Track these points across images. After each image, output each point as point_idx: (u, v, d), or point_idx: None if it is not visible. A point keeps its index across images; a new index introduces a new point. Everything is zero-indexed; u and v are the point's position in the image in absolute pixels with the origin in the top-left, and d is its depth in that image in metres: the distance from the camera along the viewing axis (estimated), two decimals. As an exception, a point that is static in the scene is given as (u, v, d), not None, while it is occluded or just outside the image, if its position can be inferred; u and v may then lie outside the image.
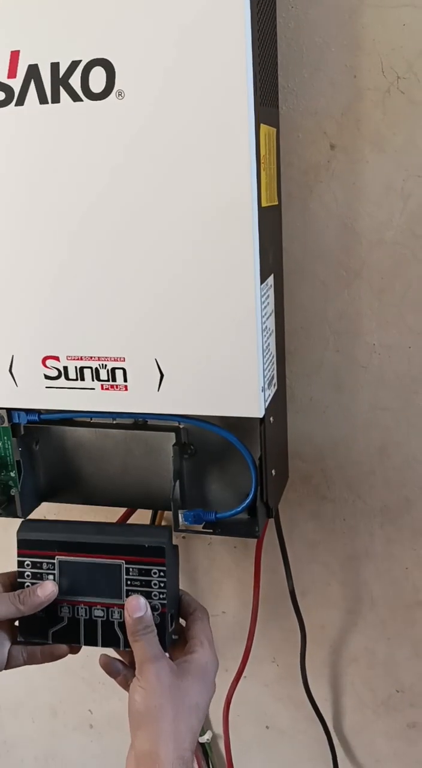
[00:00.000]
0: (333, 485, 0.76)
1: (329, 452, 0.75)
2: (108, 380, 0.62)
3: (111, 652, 0.67)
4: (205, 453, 0.66)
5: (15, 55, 0.56)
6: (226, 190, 0.55)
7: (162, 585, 0.62)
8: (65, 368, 0.63)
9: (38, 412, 0.67)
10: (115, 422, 0.67)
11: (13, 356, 0.64)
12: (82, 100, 0.56)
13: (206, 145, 0.54)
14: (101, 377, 0.62)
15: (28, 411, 0.67)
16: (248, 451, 0.63)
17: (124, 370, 0.62)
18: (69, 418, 0.67)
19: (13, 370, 0.65)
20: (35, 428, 0.69)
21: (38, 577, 0.65)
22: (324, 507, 0.77)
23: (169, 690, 0.58)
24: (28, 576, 0.65)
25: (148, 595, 0.62)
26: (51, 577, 0.64)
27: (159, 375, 0.61)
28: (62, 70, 0.55)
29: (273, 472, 0.66)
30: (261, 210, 0.57)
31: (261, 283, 0.59)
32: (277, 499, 0.71)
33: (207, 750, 0.90)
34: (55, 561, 0.64)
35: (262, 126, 0.57)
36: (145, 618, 0.61)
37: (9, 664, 0.66)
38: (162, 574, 0.62)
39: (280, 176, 0.66)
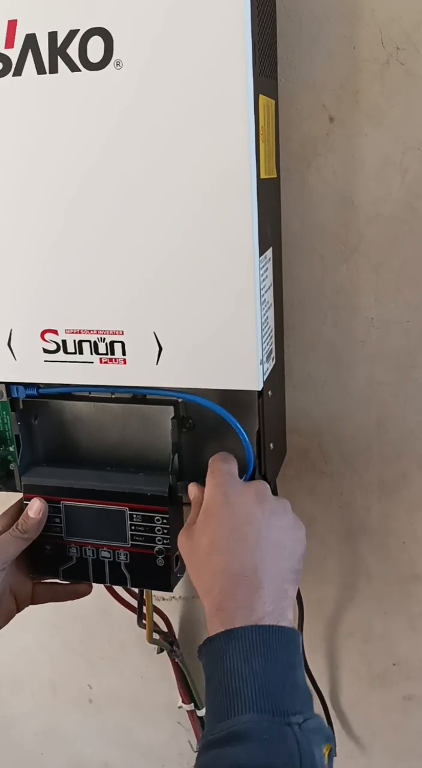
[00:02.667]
0: (331, 460, 0.77)
1: (326, 427, 0.76)
2: (106, 353, 0.62)
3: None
4: (204, 427, 0.66)
5: (12, 25, 0.56)
6: (225, 160, 0.55)
7: (165, 531, 0.64)
8: (64, 342, 0.63)
9: (37, 386, 0.67)
10: (113, 396, 0.67)
11: (11, 330, 0.64)
12: (79, 70, 0.55)
13: (205, 115, 0.54)
14: (100, 351, 0.63)
15: (26, 385, 0.67)
16: (241, 426, 0.63)
17: (123, 344, 0.62)
18: (68, 393, 0.67)
19: (11, 344, 0.64)
20: (34, 403, 0.69)
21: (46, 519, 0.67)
22: (322, 482, 0.78)
23: (259, 518, 0.55)
24: None
25: (151, 540, 0.64)
26: (58, 520, 0.67)
27: (157, 348, 0.61)
28: (60, 40, 0.55)
29: (271, 445, 0.66)
30: (260, 182, 0.57)
31: (260, 255, 0.59)
32: (275, 473, 0.71)
33: (204, 724, 0.91)
34: (61, 506, 0.66)
35: (261, 97, 0.57)
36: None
37: (35, 600, 0.70)
38: (165, 521, 0.64)
39: (279, 149, 0.66)
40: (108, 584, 0.69)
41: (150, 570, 0.66)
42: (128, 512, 0.65)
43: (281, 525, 0.56)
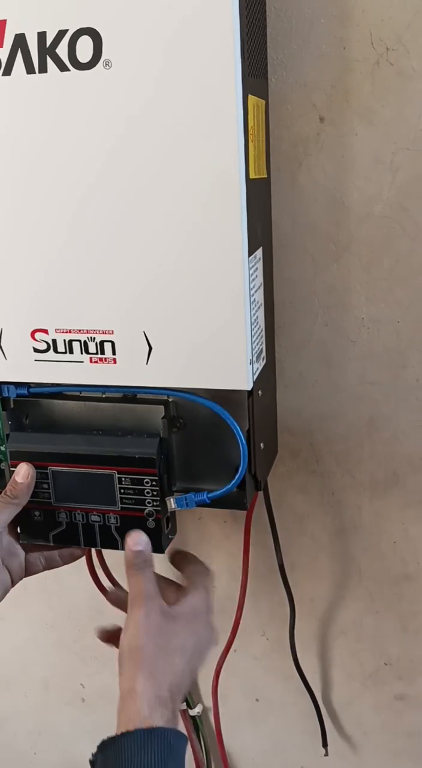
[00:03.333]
0: (322, 459, 0.77)
1: (318, 426, 0.76)
2: (97, 353, 0.62)
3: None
4: (194, 426, 0.66)
5: (2, 25, 0.56)
6: (214, 161, 0.55)
7: (155, 493, 0.64)
8: (54, 341, 0.63)
9: (28, 385, 0.67)
10: (104, 396, 0.67)
11: (1, 329, 0.64)
12: (69, 70, 0.55)
13: (194, 116, 0.54)
14: (90, 350, 0.63)
15: (17, 385, 0.67)
16: (237, 424, 0.63)
17: (113, 343, 0.62)
18: (58, 392, 0.67)
19: (1, 344, 0.65)
20: (25, 402, 0.69)
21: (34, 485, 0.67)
22: (313, 481, 0.78)
23: (154, 629, 0.58)
24: None
25: (141, 503, 0.64)
26: (45, 486, 0.66)
27: (147, 348, 0.61)
28: (49, 40, 0.55)
29: (261, 445, 0.66)
30: (250, 182, 0.57)
31: (250, 255, 0.59)
32: (266, 473, 0.71)
33: (198, 723, 0.91)
34: (48, 471, 0.66)
35: (251, 97, 0.57)
36: (144, 553, 0.62)
37: (28, 571, 0.70)
38: (154, 483, 0.63)
39: (269, 149, 0.66)
40: (99, 548, 0.68)
41: None
42: (117, 475, 0.64)
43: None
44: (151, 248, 0.58)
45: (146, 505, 0.64)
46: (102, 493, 0.65)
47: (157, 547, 0.65)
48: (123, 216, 0.58)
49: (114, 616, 0.82)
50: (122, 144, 0.56)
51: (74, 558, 0.72)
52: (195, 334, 0.60)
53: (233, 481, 0.64)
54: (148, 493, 0.64)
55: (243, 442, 0.62)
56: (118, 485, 0.65)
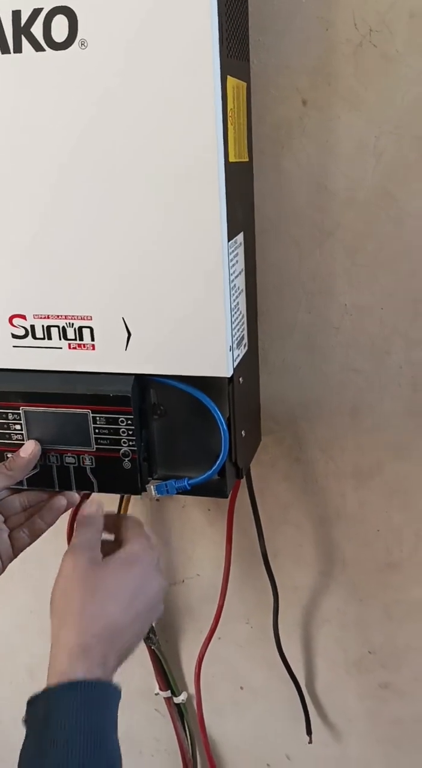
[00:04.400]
0: (306, 447, 0.76)
1: (301, 414, 0.75)
2: (75, 339, 0.62)
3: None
4: (175, 414, 0.66)
5: (-24, 3, 0.55)
6: (192, 143, 0.54)
7: (130, 432, 0.62)
8: (32, 327, 0.62)
9: (7, 372, 0.66)
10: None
11: (-21, 315, 0.63)
12: (44, 50, 0.54)
13: (171, 97, 0.53)
14: (68, 336, 0.62)
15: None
16: (219, 410, 0.62)
17: (91, 329, 0.61)
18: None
19: (-20, 330, 0.64)
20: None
21: (5, 427, 0.65)
22: (297, 469, 0.78)
23: (80, 578, 0.58)
24: None
25: (117, 443, 0.63)
26: (18, 427, 0.65)
27: (126, 334, 0.61)
28: (24, 19, 0.54)
29: (243, 432, 0.66)
30: (229, 165, 0.56)
31: (229, 240, 0.58)
32: (248, 461, 0.71)
33: (182, 710, 0.91)
34: (21, 411, 0.64)
35: (229, 78, 0.56)
36: (94, 516, 0.62)
37: (15, 548, 0.68)
38: (129, 422, 0.62)
39: (251, 133, 0.65)
40: (74, 491, 0.67)
41: (117, 474, 0.64)
42: (91, 415, 0.63)
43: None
44: (129, 232, 0.58)
45: (122, 445, 0.63)
46: (76, 434, 0.64)
47: (133, 488, 0.64)
48: (100, 199, 0.57)
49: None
50: (98, 126, 0.55)
51: (54, 513, 0.68)
52: (174, 320, 0.59)
53: (213, 468, 0.63)
54: (123, 432, 0.62)
55: (225, 428, 0.62)
56: (92, 425, 0.63)
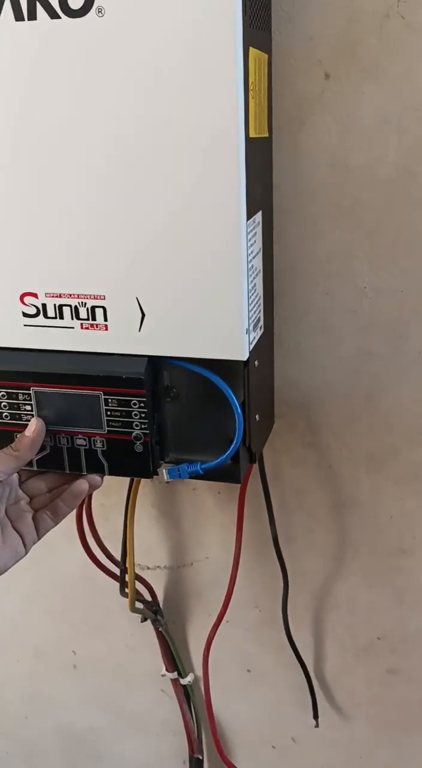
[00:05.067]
0: (320, 432, 0.75)
1: (316, 398, 0.74)
2: (88, 319, 0.60)
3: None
4: (188, 396, 0.64)
5: (-12, -33, 0.53)
6: (212, 117, 0.52)
7: (143, 415, 0.61)
8: (44, 306, 0.61)
9: (17, 351, 0.64)
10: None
11: (-11, 293, 0.62)
12: (60, 17, 0.52)
13: (192, 68, 0.51)
14: (81, 316, 0.60)
15: (6, 351, 0.65)
16: (234, 394, 0.61)
17: (105, 309, 0.60)
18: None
19: (-10, 308, 0.62)
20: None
21: (15, 407, 0.64)
22: (310, 454, 0.76)
23: None
24: (4, 407, 0.64)
25: (128, 426, 0.61)
26: (28, 408, 0.63)
27: (140, 314, 0.59)
28: (38, -16, 0.52)
29: (257, 417, 0.64)
30: (249, 141, 0.54)
31: (248, 219, 0.56)
32: (261, 445, 0.69)
33: (189, 692, 0.91)
34: (31, 392, 0.63)
35: (252, 50, 0.54)
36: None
37: (40, 532, 0.66)
38: (142, 405, 0.61)
39: (272, 107, 0.63)
40: (84, 474, 0.65)
41: (128, 457, 0.63)
42: (103, 396, 0.61)
43: None
44: (144, 209, 0.56)
45: (134, 428, 0.61)
46: (87, 416, 0.62)
47: (145, 472, 0.63)
48: (114, 173, 0.55)
49: (107, 585, 0.82)
50: (114, 97, 0.53)
51: (76, 497, 0.67)
52: (190, 301, 0.58)
53: (227, 453, 0.62)
54: (135, 415, 0.61)
55: (240, 413, 0.60)
56: (104, 407, 0.62)
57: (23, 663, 1.02)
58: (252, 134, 0.55)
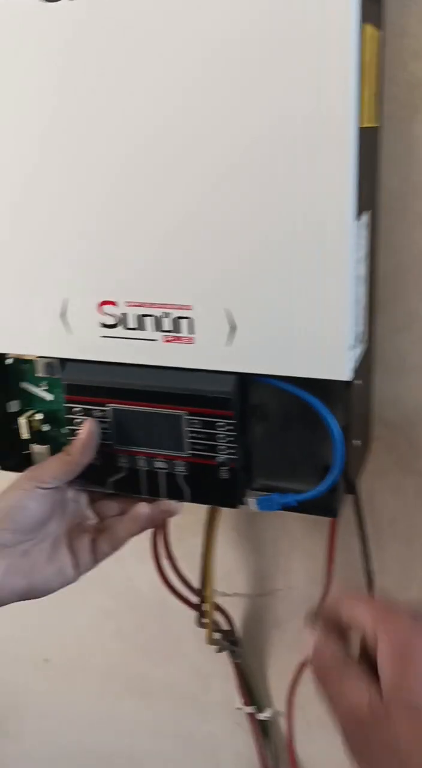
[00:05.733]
0: (421, 455, 0.67)
1: (417, 418, 0.66)
2: (171, 331, 0.54)
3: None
4: (276, 418, 0.58)
5: None
6: (320, 102, 0.45)
7: (230, 438, 0.55)
8: (124, 315, 0.55)
9: (94, 364, 0.59)
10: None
11: (67, 300, 0.57)
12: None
13: (300, 46, 0.44)
14: (164, 327, 0.55)
15: (82, 363, 0.59)
16: (335, 420, 0.54)
17: (190, 320, 0.54)
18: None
19: (66, 316, 0.57)
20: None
21: None
22: (409, 479, 0.69)
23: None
24: (78, 423, 0.59)
25: (213, 449, 0.56)
26: (105, 426, 0.59)
27: (229, 327, 0.53)
28: None
29: (357, 442, 0.57)
30: (361, 131, 0.47)
31: (357, 220, 0.49)
32: (358, 472, 0.62)
33: (266, 727, 0.85)
34: (109, 409, 0.58)
35: (367, 26, 0.47)
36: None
37: (97, 556, 0.61)
38: (229, 427, 0.55)
39: (382, 93, 0.56)
40: (165, 498, 0.60)
41: (212, 483, 0.57)
42: (185, 417, 0.56)
43: None
44: (238, 210, 0.49)
45: (219, 453, 0.56)
46: (168, 437, 0.57)
47: (231, 501, 0.57)
48: (206, 170, 0.49)
49: (180, 610, 0.76)
50: (210, 82, 0.47)
51: (137, 523, 0.60)
52: (286, 313, 0.51)
53: (325, 484, 0.55)
54: (221, 438, 0.55)
55: (341, 440, 0.53)
56: (186, 428, 0.56)
57: (89, 686, 0.97)
58: (363, 123, 0.48)
